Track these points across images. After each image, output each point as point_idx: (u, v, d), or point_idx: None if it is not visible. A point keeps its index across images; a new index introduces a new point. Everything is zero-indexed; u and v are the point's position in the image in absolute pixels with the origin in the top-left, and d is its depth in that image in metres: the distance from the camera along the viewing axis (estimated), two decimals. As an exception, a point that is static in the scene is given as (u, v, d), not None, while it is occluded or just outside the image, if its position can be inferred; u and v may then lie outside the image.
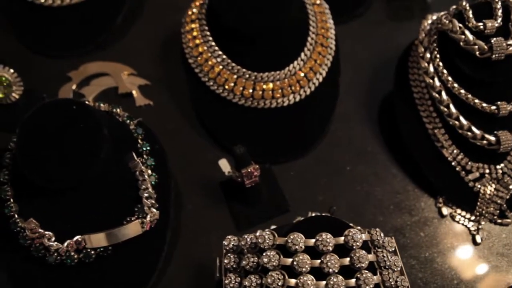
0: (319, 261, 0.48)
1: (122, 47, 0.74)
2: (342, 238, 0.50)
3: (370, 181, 0.66)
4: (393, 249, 0.53)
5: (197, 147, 0.68)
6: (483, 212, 0.62)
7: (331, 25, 0.69)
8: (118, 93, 0.71)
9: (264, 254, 0.50)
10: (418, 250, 0.62)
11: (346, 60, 0.72)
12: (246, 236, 0.52)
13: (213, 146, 0.68)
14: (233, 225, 0.63)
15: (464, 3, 0.62)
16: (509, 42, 0.58)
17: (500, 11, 0.60)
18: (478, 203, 0.62)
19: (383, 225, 0.63)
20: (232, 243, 0.55)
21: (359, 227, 0.55)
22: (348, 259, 0.48)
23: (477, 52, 0.59)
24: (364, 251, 0.49)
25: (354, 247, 0.49)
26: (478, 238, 0.62)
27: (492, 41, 0.58)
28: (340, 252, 0.49)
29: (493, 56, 0.58)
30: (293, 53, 0.65)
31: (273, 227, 0.58)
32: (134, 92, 0.71)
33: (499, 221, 0.63)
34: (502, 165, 0.62)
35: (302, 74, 0.65)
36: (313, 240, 0.50)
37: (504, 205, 0.62)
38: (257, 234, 0.51)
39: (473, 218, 0.63)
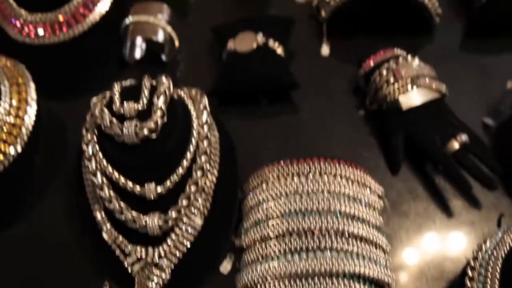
0: None
1: None
2: None
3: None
4: None
5: None
6: (140, 297, 0.61)
7: None
8: None
9: None
10: None
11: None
12: None
13: None
14: None
15: (116, 84, 0.62)
16: (144, 125, 0.57)
17: (147, 92, 0.60)
18: (135, 288, 0.61)
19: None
20: None
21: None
22: None
23: (115, 137, 0.59)
24: None
25: None
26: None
27: (125, 125, 0.58)
28: None
29: (126, 140, 0.58)
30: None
31: None
32: None
33: (158, 308, 0.61)
34: (160, 248, 0.60)
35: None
36: None
37: (160, 291, 0.61)
38: None
39: (130, 304, 0.61)
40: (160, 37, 0.76)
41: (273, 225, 0.56)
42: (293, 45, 0.77)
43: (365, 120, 0.72)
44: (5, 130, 0.67)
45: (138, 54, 0.77)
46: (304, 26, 0.81)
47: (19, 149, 0.67)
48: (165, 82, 0.60)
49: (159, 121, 0.58)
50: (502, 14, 0.76)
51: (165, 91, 0.59)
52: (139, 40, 0.76)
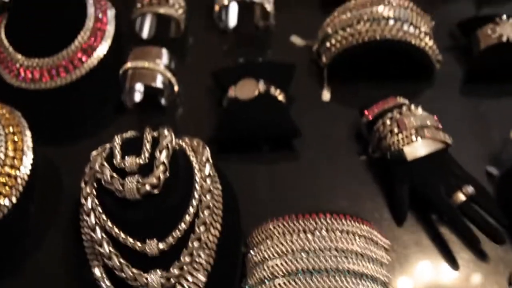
0: None
1: None
2: None
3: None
4: None
5: None
6: None
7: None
8: None
9: None
10: None
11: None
12: None
13: None
14: None
15: (117, 137, 0.60)
16: (146, 181, 0.56)
17: (148, 145, 0.58)
18: None
19: None
20: None
21: None
22: None
23: (116, 192, 0.57)
24: None
25: None
26: None
27: (126, 181, 0.56)
28: None
29: (127, 196, 0.56)
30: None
31: None
32: None
33: None
34: (163, 306, 0.59)
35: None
36: None
37: None
38: None
39: None
40: (159, 82, 0.75)
41: (279, 284, 0.54)
42: (293, 90, 0.77)
43: (368, 167, 0.71)
44: (0, 181, 0.66)
45: (137, 98, 0.76)
46: (304, 71, 0.81)
47: (14, 200, 0.65)
48: (167, 135, 0.59)
49: (162, 177, 0.56)
50: (502, 61, 0.77)
51: (167, 145, 0.58)
52: (138, 86, 0.75)
